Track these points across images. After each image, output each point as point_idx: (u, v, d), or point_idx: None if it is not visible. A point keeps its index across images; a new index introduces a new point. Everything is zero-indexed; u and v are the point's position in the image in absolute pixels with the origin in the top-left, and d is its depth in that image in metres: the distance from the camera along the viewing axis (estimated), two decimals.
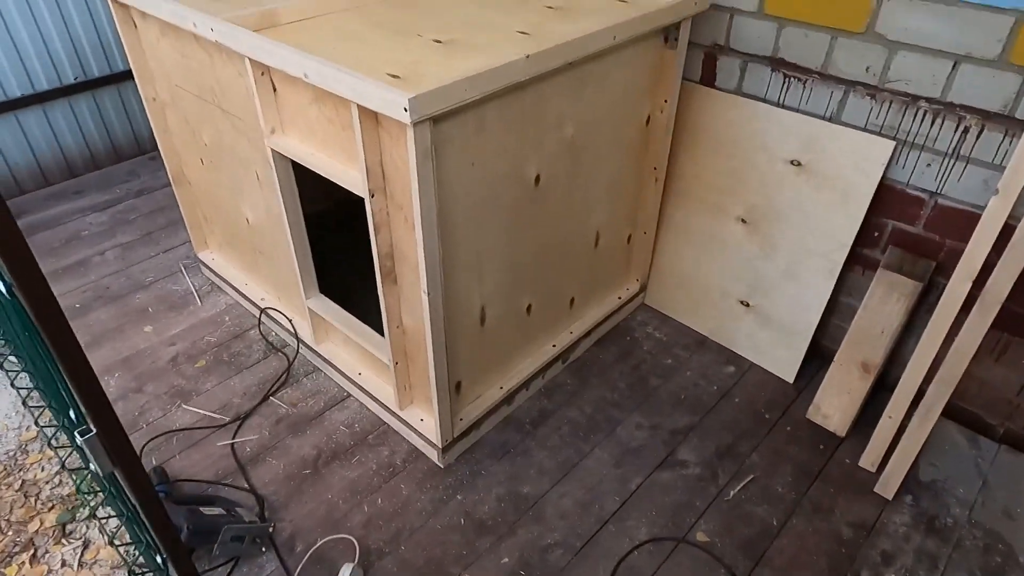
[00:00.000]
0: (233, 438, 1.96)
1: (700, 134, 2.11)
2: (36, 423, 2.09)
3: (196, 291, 2.53)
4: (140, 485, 0.99)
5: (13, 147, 3.02)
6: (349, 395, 2.11)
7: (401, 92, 1.24)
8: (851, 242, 1.91)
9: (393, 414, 1.96)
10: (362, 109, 1.37)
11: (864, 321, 1.88)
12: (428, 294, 1.53)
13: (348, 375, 2.07)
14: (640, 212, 2.24)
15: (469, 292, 1.70)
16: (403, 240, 1.57)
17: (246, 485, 1.83)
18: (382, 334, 1.83)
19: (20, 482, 2.07)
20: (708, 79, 2.07)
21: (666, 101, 1.99)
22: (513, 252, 1.77)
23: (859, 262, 2.00)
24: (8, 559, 1.91)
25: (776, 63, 1.91)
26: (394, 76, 1.35)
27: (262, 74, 1.62)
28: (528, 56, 1.41)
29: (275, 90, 1.66)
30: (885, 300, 1.83)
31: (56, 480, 2.00)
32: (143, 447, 1.92)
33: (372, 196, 1.49)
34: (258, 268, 2.30)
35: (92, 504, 1.87)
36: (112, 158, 3.35)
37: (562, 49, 1.50)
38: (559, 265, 1.99)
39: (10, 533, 1.96)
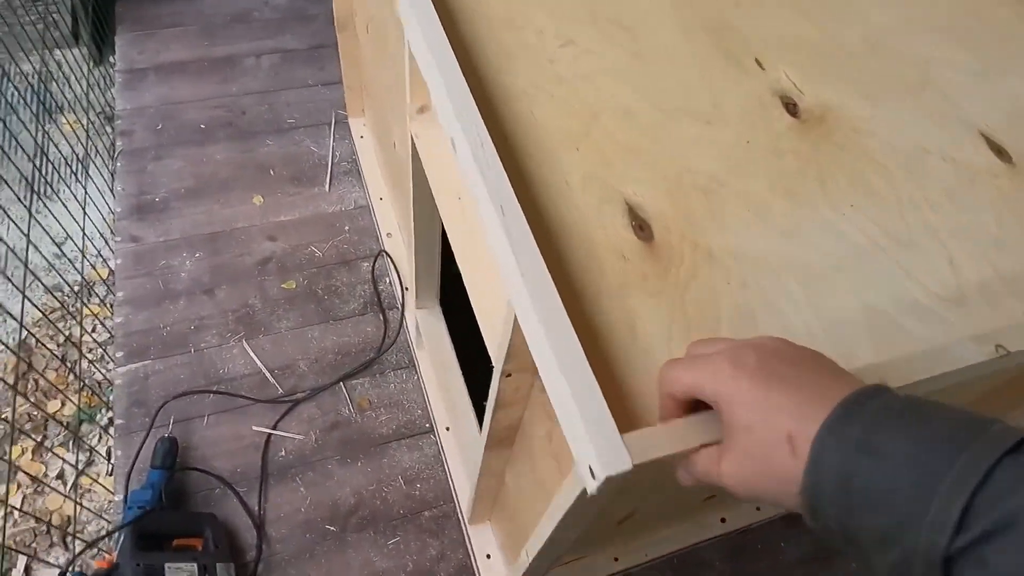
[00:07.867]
0: (273, 427, 1.51)
1: None
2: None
3: (331, 166, 1.95)
4: None
5: None
6: (431, 430, 1.55)
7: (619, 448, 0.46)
8: None
9: None
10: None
11: None
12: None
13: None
14: None
15: (620, 500, 0.99)
16: (536, 425, 0.85)
17: (257, 509, 1.41)
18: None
19: (69, 332, 1.80)
20: None
21: None
22: None
23: None
24: (20, 435, 1.69)
25: None
26: None
27: None
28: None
29: None
30: None
31: (96, 347, 1.66)
32: (167, 402, 1.50)
33: (507, 376, 0.76)
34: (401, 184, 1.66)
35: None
36: None
37: None
38: None
39: (32, 398, 1.72)
